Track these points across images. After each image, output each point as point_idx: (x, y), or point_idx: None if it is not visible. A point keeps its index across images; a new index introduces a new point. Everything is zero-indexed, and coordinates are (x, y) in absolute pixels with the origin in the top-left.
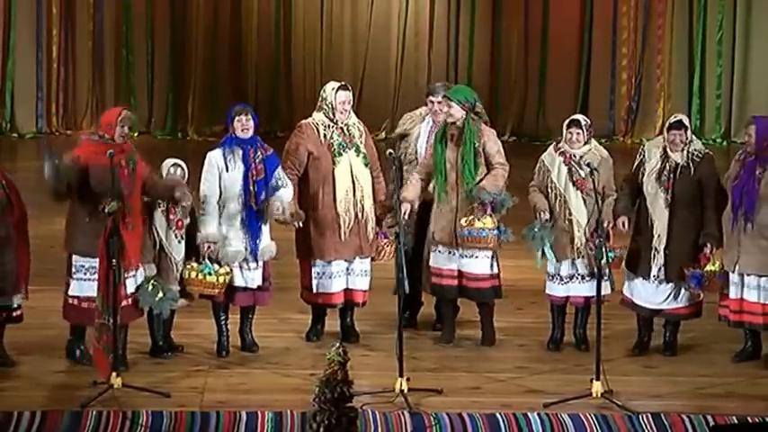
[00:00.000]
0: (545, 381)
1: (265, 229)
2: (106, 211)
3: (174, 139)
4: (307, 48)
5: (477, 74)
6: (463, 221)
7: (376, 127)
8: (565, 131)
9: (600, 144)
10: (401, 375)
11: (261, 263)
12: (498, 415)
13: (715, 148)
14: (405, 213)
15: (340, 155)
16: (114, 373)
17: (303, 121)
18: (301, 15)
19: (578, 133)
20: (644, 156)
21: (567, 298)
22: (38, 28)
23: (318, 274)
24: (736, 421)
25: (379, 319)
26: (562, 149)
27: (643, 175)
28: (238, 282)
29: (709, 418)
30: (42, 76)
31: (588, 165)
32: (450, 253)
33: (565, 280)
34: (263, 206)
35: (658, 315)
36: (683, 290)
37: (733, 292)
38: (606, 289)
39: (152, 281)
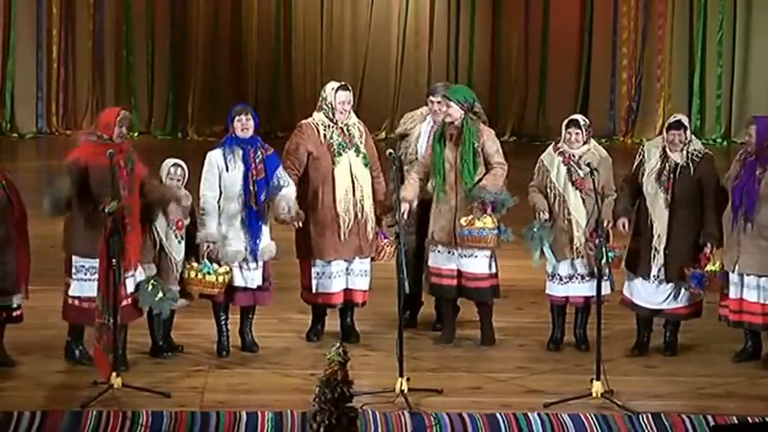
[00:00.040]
0: (545, 381)
1: (265, 229)
2: (106, 210)
3: (174, 139)
4: (307, 48)
5: (478, 74)
6: (463, 221)
7: (376, 127)
8: (564, 131)
9: (600, 144)
10: (401, 375)
11: (261, 263)
12: (498, 415)
13: (715, 148)
14: (403, 213)
15: (340, 155)
16: (114, 373)
17: (303, 121)
18: (301, 15)
19: (577, 133)
20: (643, 156)
21: (567, 298)
22: (38, 28)
23: (318, 274)
24: (736, 421)
25: (379, 319)
26: (561, 149)
27: (643, 175)
28: (238, 282)
29: (710, 418)
30: (42, 76)
31: (588, 165)
32: (449, 253)
33: (564, 280)
34: (263, 206)
35: (658, 315)
36: (682, 290)
37: (733, 292)
38: (606, 289)
39: (152, 281)
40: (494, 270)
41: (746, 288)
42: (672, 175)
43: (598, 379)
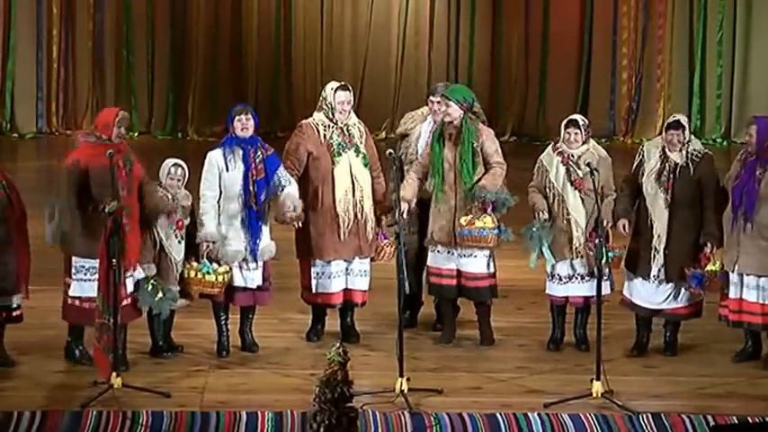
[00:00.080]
0: (545, 381)
1: (265, 229)
2: (106, 210)
3: (175, 140)
4: (307, 48)
5: (478, 73)
6: (462, 221)
7: (376, 127)
8: (563, 131)
9: (600, 144)
10: (401, 375)
11: (261, 263)
12: (498, 415)
13: (715, 148)
14: (402, 212)
15: (339, 155)
16: (114, 373)
17: (303, 121)
18: (301, 15)
19: (576, 133)
20: (643, 156)
21: (567, 298)
22: (38, 28)
23: (318, 274)
24: (736, 421)
25: (379, 319)
26: (560, 149)
27: (642, 175)
28: (238, 282)
29: (710, 418)
30: (42, 76)
31: (588, 165)
32: (448, 252)
33: (564, 280)
34: (263, 206)
35: (658, 315)
36: (682, 290)
37: (732, 292)
38: (606, 289)
39: (152, 281)
40: (492, 270)
41: (746, 288)
42: (671, 175)
43: (598, 379)
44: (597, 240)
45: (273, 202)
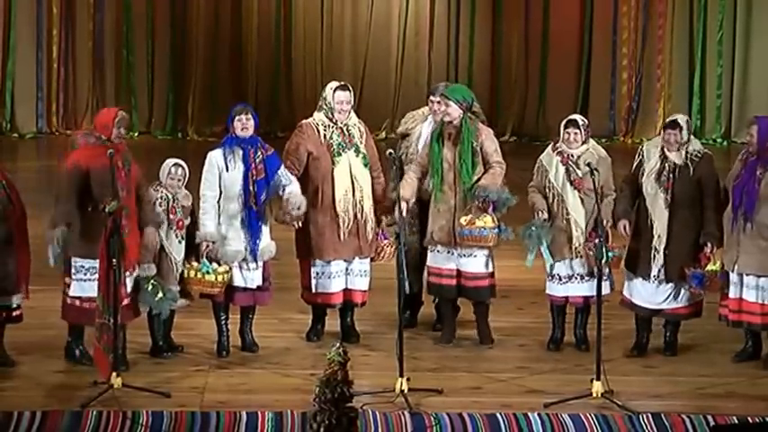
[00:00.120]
0: (545, 381)
1: (265, 229)
2: (107, 210)
3: (175, 140)
4: (307, 48)
5: (478, 74)
6: (463, 221)
7: (376, 127)
8: (562, 131)
9: (600, 144)
10: (401, 375)
11: (260, 263)
12: (499, 415)
13: (715, 148)
14: (397, 212)
15: (339, 155)
16: (114, 373)
17: (304, 121)
18: (301, 15)
19: (576, 133)
20: (643, 156)
21: (567, 298)
22: (38, 28)
23: (318, 273)
24: (736, 421)
25: (379, 319)
26: (560, 149)
27: (642, 175)
28: (238, 282)
29: (710, 418)
30: (42, 76)
31: (588, 165)
32: (448, 252)
33: (564, 280)
34: (263, 206)
35: (658, 315)
36: (682, 290)
37: (732, 292)
38: (606, 289)
39: (152, 281)
40: (491, 269)
41: (746, 288)
42: (671, 175)
43: (598, 379)
44: (597, 240)
45: (275, 201)
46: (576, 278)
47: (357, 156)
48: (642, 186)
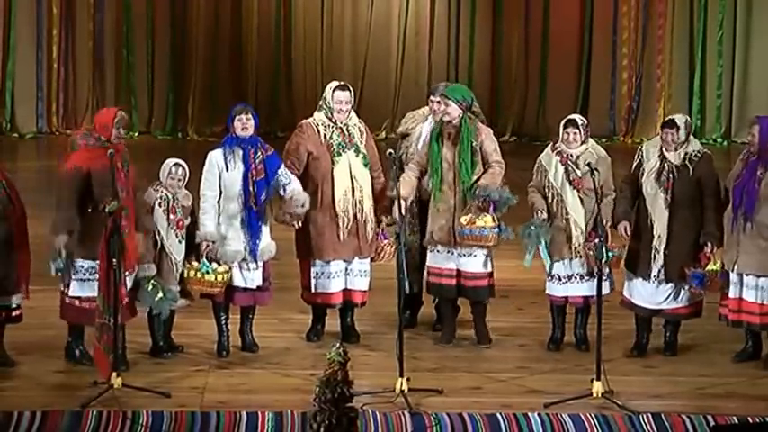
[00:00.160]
0: (545, 381)
1: (265, 229)
2: (107, 210)
3: (175, 140)
4: (307, 48)
5: (478, 74)
6: (463, 220)
7: (376, 126)
8: (561, 131)
9: (600, 144)
10: (401, 375)
11: (260, 263)
12: (499, 415)
13: (715, 148)
14: (396, 210)
15: (339, 155)
16: (114, 373)
17: (304, 121)
18: (302, 15)
19: (575, 133)
20: (642, 156)
21: (567, 298)
22: (38, 28)
23: (317, 273)
24: (736, 421)
25: (379, 319)
26: (559, 149)
27: (642, 175)
28: (238, 282)
29: (710, 418)
30: (42, 76)
31: (589, 165)
32: (448, 252)
33: (563, 280)
34: (263, 207)
35: (658, 315)
36: (683, 290)
37: (732, 292)
38: (606, 288)
39: (152, 281)
40: (490, 269)
41: (746, 288)
42: (671, 175)
43: (598, 379)
44: (597, 240)
45: (275, 201)
46: (576, 278)
47: (357, 156)
48: (642, 187)
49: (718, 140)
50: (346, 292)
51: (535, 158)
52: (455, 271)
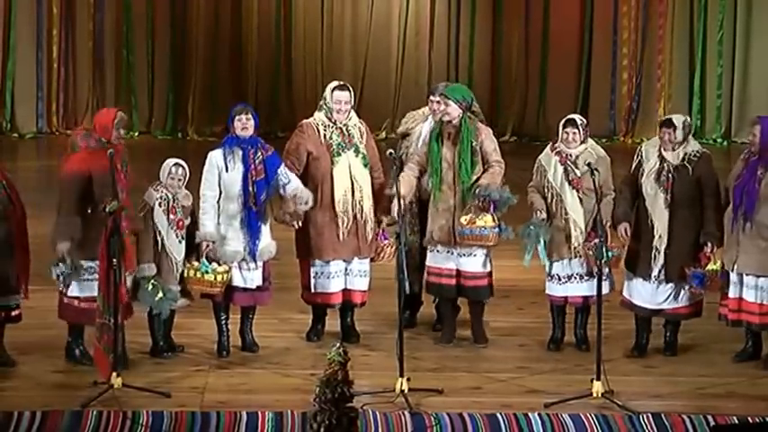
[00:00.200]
0: (545, 381)
1: (265, 229)
2: (107, 210)
3: (175, 140)
4: (307, 48)
5: (478, 73)
6: (463, 220)
7: (377, 126)
8: (561, 131)
9: (600, 144)
10: (401, 375)
11: (260, 263)
12: (499, 415)
13: (715, 148)
14: (395, 209)
15: (339, 155)
16: (114, 373)
17: (304, 121)
18: (302, 15)
19: (574, 133)
20: (642, 157)
21: (566, 298)
22: (38, 28)
23: (317, 273)
24: (736, 421)
25: (379, 319)
26: (558, 149)
27: (642, 175)
28: (237, 282)
29: (710, 418)
30: (42, 76)
31: (589, 164)
32: (448, 252)
33: (563, 280)
34: (263, 207)
35: (658, 315)
36: (683, 290)
37: (732, 292)
38: (606, 288)
39: (152, 281)
40: (489, 269)
41: (745, 288)
42: (670, 176)
43: (598, 379)
44: (597, 240)
45: (275, 201)
46: (576, 278)
47: (357, 156)
48: (642, 187)
49: (719, 140)
50: (346, 292)
51: (535, 158)
52: (455, 271)
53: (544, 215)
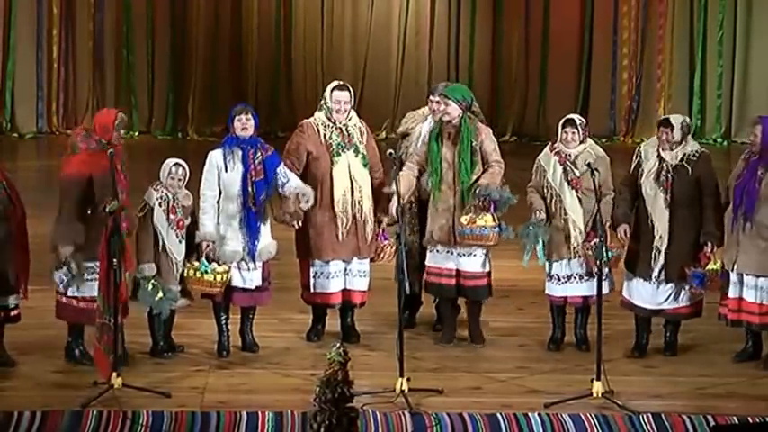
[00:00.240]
0: (546, 381)
1: (265, 229)
2: (107, 210)
3: (175, 140)
4: (307, 48)
5: (478, 73)
6: (463, 220)
7: (377, 126)
8: (560, 131)
9: (600, 144)
10: (402, 375)
11: (259, 263)
12: (499, 415)
13: (715, 148)
14: (394, 207)
15: (338, 155)
16: (114, 373)
17: (305, 121)
18: (302, 15)
19: (573, 133)
20: (641, 157)
21: (566, 298)
22: (38, 28)
23: (316, 273)
24: (736, 421)
25: (379, 319)
26: (557, 149)
27: (641, 176)
28: (237, 282)
29: (710, 418)
30: (42, 76)
31: (589, 165)
32: (448, 252)
33: (562, 280)
34: (262, 207)
35: (658, 315)
36: (683, 290)
37: (732, 292)
38: (605, 288)
39: (152, 281)
40: (488, 268)
41: (745, 288)
42: (670, 176)
43: (598, 379)
44: (597, 240)
45: (275, 201)
46: (575, 278)
47: (356, 156)
48: (641, 187)
49: (719, 140)
50: (345, 292)
51: (535, 158)
52: (455, 271)
53: (543, 215)
